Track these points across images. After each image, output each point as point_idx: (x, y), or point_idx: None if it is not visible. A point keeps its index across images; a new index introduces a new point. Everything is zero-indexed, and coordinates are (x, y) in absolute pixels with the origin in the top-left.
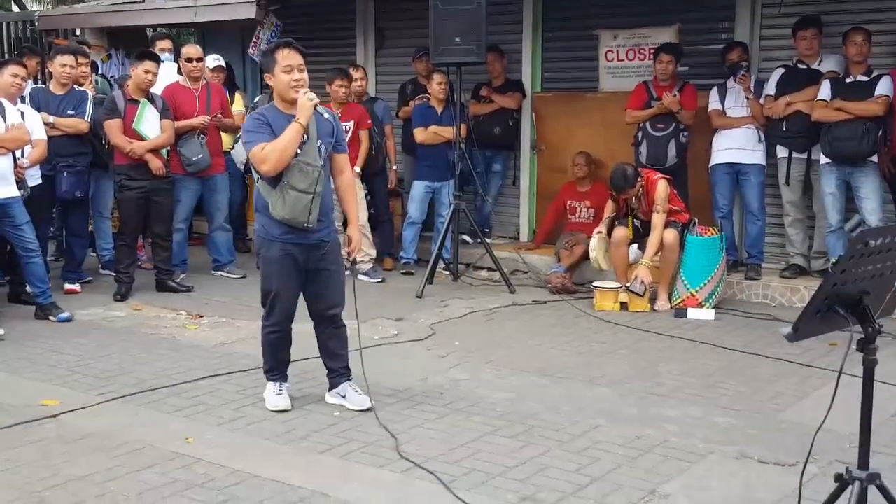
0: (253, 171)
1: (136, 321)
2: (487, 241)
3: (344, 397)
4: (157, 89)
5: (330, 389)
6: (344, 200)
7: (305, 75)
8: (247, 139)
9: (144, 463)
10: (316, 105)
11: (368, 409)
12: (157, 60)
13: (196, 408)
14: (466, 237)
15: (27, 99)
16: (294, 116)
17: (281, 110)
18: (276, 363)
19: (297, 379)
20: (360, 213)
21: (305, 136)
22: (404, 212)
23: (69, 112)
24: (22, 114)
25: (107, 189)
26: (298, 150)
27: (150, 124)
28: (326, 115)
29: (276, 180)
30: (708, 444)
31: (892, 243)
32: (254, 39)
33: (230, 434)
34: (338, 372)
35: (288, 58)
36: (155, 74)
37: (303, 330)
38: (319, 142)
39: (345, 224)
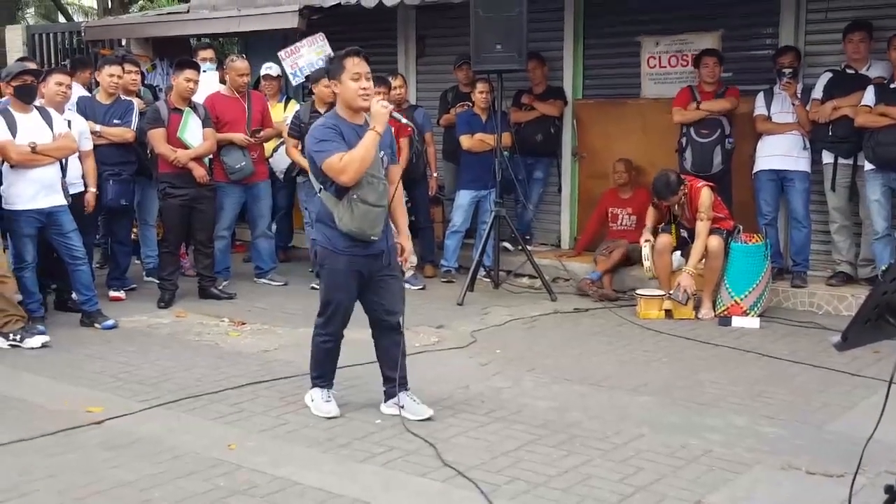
0: (314, 182)
1: (179, 328)
2: (528, 248)
3: (402, 407)
4: (199, 98)
5: (386, 400)
6: (396, 211)
7: (371, 85)
8: (319, 149)
9: (187, 469)
10: (391, 112)
11: (430, 419)
12: (197, 68)
13: (238, 414)
14: (507, 244)
15: (74, 108)
16: (358, 126)
17: (345, 119)
18: (326, 371)
19: (338, 387)
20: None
21: None
22: (444, 219)
23: (115, 121)
24: (69, 122)
25: (151, 197)
26: None
27: (194, 133)
28: (404, 121)
29: (342, 192)
30: (753, 455)
31: None
32: (290, 49)
33: (272, 441)
34: (395, 381)
35: (358, 66)
36: (196, 82)
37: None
38: (382, 153)
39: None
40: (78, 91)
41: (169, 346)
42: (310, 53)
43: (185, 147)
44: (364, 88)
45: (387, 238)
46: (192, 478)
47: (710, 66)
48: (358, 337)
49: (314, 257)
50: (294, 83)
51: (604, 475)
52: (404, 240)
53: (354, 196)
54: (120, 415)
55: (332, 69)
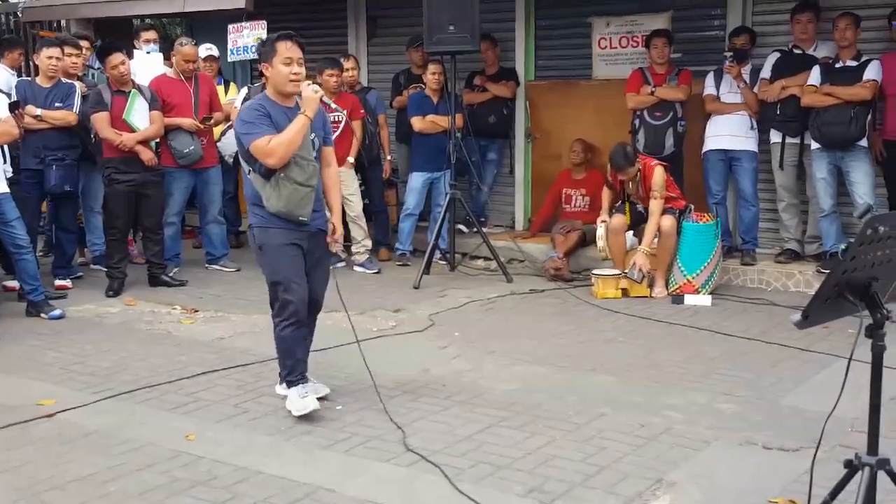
0: (243, 163)
1: (130, 317)
2: (483, 230)
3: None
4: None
5: (281, 382)
6: (330, 192)
7: (304, 69)
8: (247, 131)
9: (145, 462)
10: (322, 97)
11: (324, 398)
12: (109, 51)
13: (196, 404)
14: (462, 227)
15: (13, 92)
16: (288, 108)
17: (276, 102)
18: (296, 362)
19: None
20: (355, 204)
21: None
22: (399, 202)
23: (57, 105)
24: None
25: (97, 183)
26: None
27: (141, 115)
28: (333, 106)
29: (269, 173)
30: (713, 431)
31: None
32: (237, 25)
33: (232, 430)
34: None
35: (290, 50)
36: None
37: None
38: (313, 135)
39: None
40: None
41: (120, 335)
42: (249, 37)
43: (132, 131)
44: (295, 73)
45: (321, 218)
46: (150, 470)
47: (660, 46)
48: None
49: (252, 241)
50: (229, 59)
51: (567, 455)
52: (336, 219)
53: (281, 175)
54: (73, 407)
55: (264, 51)
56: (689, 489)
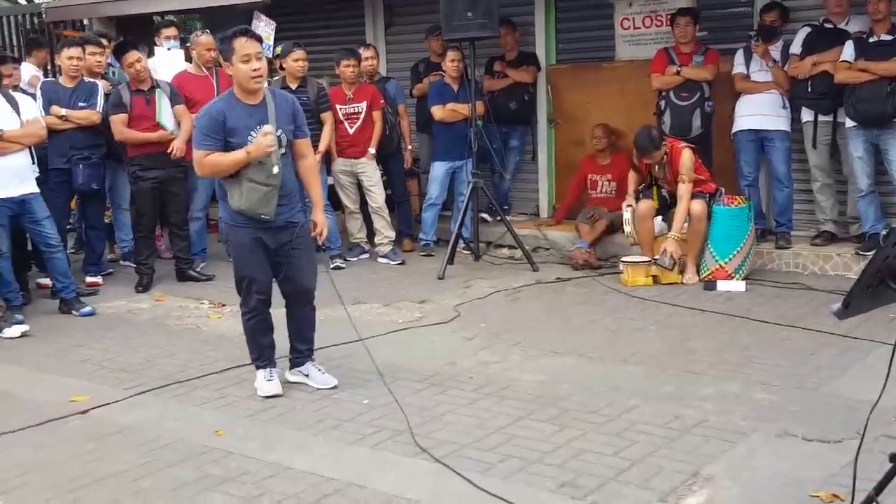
0: None
1: (159, 312)
2: (507, 218)
3: (307, 376)
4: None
5: (291, 367)
6: (308, 184)
7: (264, 63)
8: (196, 138)
9: (177, 458)
10: (271, 151)
11: (335, 387)
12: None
13: (225, 399)
14: (486, 215)
15: (38, 94)
16: (253, 107)
17: (240, 99)
18: (262, 349)
19: (327, 367)
20: (377, 194)
21: (257, 127)
22: (421, 192)
23: (81, 104)
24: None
25: (123, 180)
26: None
27: (168, 114)
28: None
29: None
30: (749, 423)
31: None
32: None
33: (260, 425)
34: (304, 353)
35: (246, 46)
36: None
37: (327, 317)
38: (280, 131)
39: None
40: (31, 72)
41: (150, 331)
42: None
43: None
44: (256, 70)
45: (291, 211)
46: (181, 466)
47: (682, 25)
48: (340, 315)
49: (222, 235)
50: None
51: (598, 449)
52: (318, 213)
53: (242, 174)
54: (105, 403)
55: (223, 50)
56: (727, 483)
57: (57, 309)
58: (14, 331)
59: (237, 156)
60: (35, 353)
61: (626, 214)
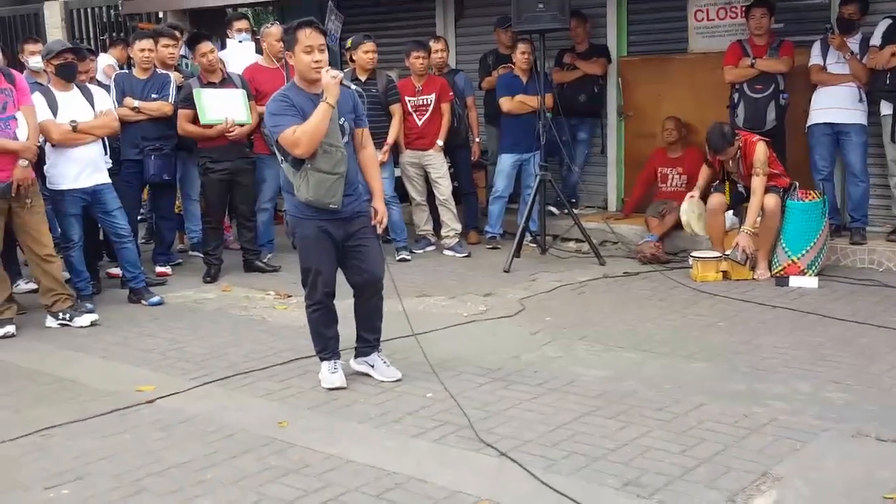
0: (277, 153)
1: (225, 303)
2: (575, 211)
3: (373, 367)
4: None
5: (356, 357)
6: (368, 174)
7: (326, 56)
8: (274, 123)
9: (240, 449)
10: (341, 80)
11: (399, 380)
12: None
13: (288, 390)
14: (553, 208)
15: (111, 85)
16: (315, 95)
17: (302, 89)
18: (326, 341)
19: (389, 360)
20: (444, 187)
21: None
22: (488, 184)
23: (153, 96)
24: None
25: (194, 172)
26: None
27: (213, 110)
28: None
29: (299, 162)
30: (821, 422)
31: None
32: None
33: (323, 417)
34: (370, 343)
35: (310, 38)
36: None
37: (391, 309)
38: (343, 119)
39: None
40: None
41: (216, 321)
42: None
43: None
44: (316, 61)
45: (357, 201)
46: (245, 457)
47: (758, 17)
48: (397, 308)
49: (287, 227)
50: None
51: (664, 447)
52: (378, 202)
53: (308, 165)
54: (171, 393)
55: (287, 41)
56: (797, 484)
57: (126, 298)
58: (84, 319)
59: (320, 109)
60: (103, 341)
61: (684, 204)
